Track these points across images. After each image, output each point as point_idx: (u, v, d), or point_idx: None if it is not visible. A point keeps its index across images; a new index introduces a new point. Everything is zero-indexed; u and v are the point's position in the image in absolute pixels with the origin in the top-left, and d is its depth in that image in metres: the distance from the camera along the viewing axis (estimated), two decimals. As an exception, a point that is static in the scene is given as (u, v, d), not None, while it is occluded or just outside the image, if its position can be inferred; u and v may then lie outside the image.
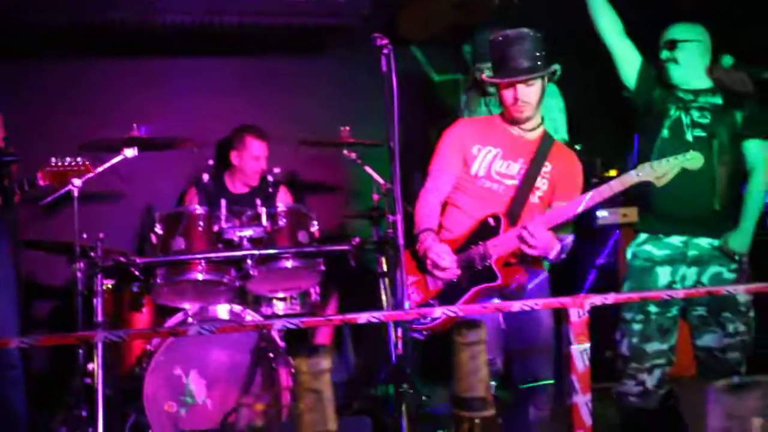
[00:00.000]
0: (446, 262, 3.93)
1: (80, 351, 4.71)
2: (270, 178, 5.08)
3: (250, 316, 4.88)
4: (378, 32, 3.87)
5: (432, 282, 4.09)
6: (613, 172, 5.80)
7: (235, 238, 4.82)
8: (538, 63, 3.98)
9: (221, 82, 6.27)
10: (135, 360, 4.98)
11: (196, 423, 4.67)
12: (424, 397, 5.19)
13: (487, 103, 5.11)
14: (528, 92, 4.00)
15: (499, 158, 4.12)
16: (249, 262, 4.80)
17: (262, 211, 4.85)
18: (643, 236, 4.47)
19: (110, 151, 4.81)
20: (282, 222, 4.89)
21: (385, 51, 3.77)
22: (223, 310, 4.89)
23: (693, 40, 4.35)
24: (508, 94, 4.01)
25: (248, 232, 4.81)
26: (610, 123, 4.60)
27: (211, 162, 5.29)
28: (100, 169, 4.69)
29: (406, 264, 4.07)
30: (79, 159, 4.70)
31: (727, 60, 4.48)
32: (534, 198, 4.10)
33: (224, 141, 5.91)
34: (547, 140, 4.18)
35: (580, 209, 3.92)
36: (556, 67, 4.02)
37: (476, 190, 4.11)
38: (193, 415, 4.70)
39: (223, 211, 4.84)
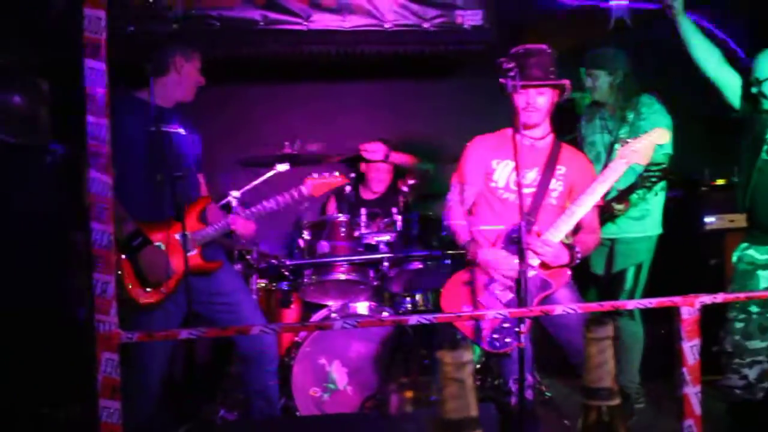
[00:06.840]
0: (510, 266, 3.95)
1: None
2: (405, 189, 5.14)
3: (387, 312, 4.94)
4: (503, 58, 3.88)
5: (489, 303, 4.04)
6: (721, 181, 5.62)
7: (373, 242, 4.91)
8: (550, 75, 4.09)
9: (360, 104, 6.39)
10: (284, 351, 5.12)
11: (337, 407, 4.78)
12: (542, 387, 5.19)
13: (603, 116, 5.04)
14: (538, 99, 4.10)
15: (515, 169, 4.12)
16: (386, 264, 4.90)
17: (398, 218, 4.94)
18: (747, 242, 4.35)
19: (264, 166, 4.94)
20: (414, 228, 4.97)
21: (511, 74, 3.77)
22: (362, 307, 4.97)
23: None
24: (520, 99, 4.07)
25: (385, 237, 4.91)
26: (717, 132, 4.46)
27: (353, 175, 5.38)
28: (256, 182, 4.82)
29: (452, 296, 4.10)
30: (336, 172, 4.75)
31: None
32: (551, 200, 4.16)
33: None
34: (556, 146, 4.25)
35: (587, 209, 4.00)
36: (566, 82, 4.11)
37: (495, 200, 4.18)
38: (335, 400, 4.81)
39: (363, 218, 4.94)
